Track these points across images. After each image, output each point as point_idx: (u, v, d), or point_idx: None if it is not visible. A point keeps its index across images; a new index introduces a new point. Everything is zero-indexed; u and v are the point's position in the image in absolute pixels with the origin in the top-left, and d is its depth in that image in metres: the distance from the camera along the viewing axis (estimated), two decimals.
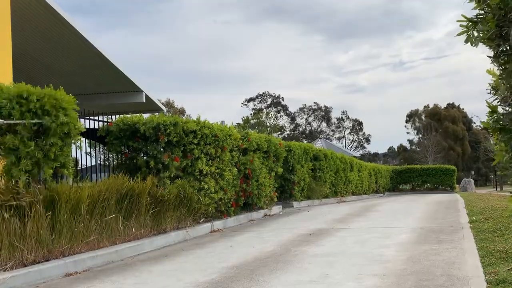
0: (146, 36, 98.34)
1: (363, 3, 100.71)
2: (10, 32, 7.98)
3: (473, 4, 2.85)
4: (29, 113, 4.88)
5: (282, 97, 72.35)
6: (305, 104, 76.40)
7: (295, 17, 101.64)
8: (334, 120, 77.53)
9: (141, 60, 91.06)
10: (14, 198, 4.69)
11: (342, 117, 77.85)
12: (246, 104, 70.69)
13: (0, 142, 4.74)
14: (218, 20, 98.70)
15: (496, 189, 42.88)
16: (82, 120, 7.54)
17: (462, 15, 2.93)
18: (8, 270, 4.34)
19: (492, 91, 3.06)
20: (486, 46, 2.86)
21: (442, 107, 71.77)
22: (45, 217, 4.85)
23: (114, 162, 7.47)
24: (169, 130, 6.97)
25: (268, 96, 71.71)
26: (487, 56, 2.91)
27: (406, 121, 73.54)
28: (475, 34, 2.87)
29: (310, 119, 76.73)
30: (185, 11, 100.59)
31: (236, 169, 8.85)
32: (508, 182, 3.34)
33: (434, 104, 72.34)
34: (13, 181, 4.88)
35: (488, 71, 3.18)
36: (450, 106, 72.16)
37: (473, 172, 64.10)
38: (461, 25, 2.92)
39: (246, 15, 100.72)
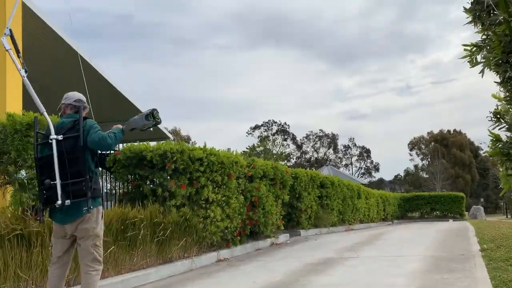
0: (145, 62, 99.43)
1: (367, 26, 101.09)
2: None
3: (477, 28, 2.88)
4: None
5: (288, 125, 72.60)
6: (312, 131, 76.59)
7: (296, 42, 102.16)
8: (340, 147, 77.46)
9: (143, 86, 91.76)
10: (21, 227, 4.67)
11: (349, 145, 77.79)
12: (251, 133, 70.89)
13: (6, 170, 4.75)
14: (217, 44, 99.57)
15: (507, 216, 42.18)
16: None
17: (463, 45, 2.95)
18: None
19: (493, 118, 3.01)
20: (493, 72, 2.86)
21: (446, 131, 71.37)
22: (50, 246, 4.81)
23: (120, 191, 7.45)
24: (175, 157, 6.97)
25: (273, 124, 72.00)
26: (494, 82, 2.91)
27: (410, 149, 73.13)
28: (478, 58, 2.89)
29: (317, 146, 76.71)
30: (185, 33, 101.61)
31: (243, 197, 8.80)
32: None
33: (440, 130, 72.13)
34: (20, 209, 4.87)
35: (494, 96, 3.16)
36: (457, 132, 71.80)
37: (482, 199, 63.23)
38: (465, 49, 2.94)
39: (244, 39, 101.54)
